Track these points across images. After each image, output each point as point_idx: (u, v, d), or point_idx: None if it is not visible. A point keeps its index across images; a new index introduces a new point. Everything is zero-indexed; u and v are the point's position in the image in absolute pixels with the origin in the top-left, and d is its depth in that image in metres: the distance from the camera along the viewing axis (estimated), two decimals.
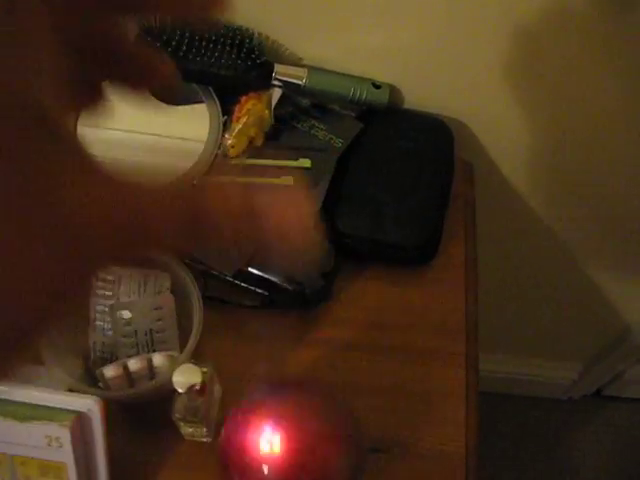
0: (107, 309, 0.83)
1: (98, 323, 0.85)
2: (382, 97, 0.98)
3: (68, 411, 0.69)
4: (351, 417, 0.74)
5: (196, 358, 0.78)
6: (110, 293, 0.84)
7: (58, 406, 0.69)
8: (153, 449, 0.83)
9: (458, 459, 0.84)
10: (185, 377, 0.73)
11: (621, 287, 1.42)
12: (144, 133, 0.93)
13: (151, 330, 0.83)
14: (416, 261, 0.95)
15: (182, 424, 0.79)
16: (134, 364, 0.80)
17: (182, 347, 0.81)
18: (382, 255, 0.94)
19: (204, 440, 0.82)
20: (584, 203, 1.18)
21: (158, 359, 0.80)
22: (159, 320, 0.83)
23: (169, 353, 0.80)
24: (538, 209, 1.20)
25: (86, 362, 0.86)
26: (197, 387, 0.74)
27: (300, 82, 0.95)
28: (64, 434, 0.69)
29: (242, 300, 0.91)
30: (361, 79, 0.98)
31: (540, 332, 1.62)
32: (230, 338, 0.90)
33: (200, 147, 0.92)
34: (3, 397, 0.69)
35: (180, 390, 0.74)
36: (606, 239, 1.27)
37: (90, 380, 0.82)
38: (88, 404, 0.69)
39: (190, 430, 0.80)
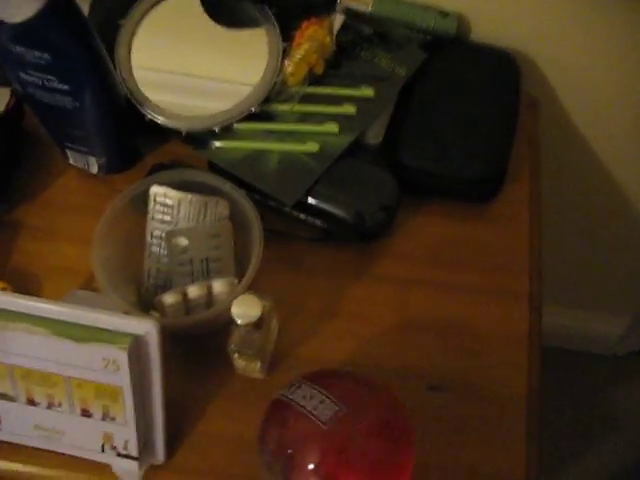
0: (164, 235, 0.81)
1: (154, 249, 0.82)
2: (450, 26, 0.94)
3: (126, 334, 0.67)
4: (401, 409, 0.71)
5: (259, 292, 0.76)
6: (169, 218, 0.81)
7: (116, 329, 0.67)
8: (205, 382, 0.82)
9: (519, 402, 0.81)
10: (244, 308, 0.71)
11: None
12: (198, 75, 0.90)
13: (207, 259, 0.81)
14: (479, 197, 0.91)
15: (236, 357, 0.77)
16: (194, 291, 0.77)
17: (238, 279, 0.79)
18: (444, 189, 0.91)
19: (257, 376, 0.81)
20: None
21: (218, 286, 0.78)
22: (216, 249, 0.81)
23: (229, 279, 0.78)
24: (603, 150, 1.15)
25: (138, 290, 0.84)
26: (256, 320, 0.71)
27: (365, 9, 0.91)
28: (122, 357, 0.67)
29: (300, 233, 0.88)
30: (428, 7, 0.94)
31: (590, 284, 1.58)
32: (287, 272, 0.88)
33: (250, 90, 0.88)
34: (61, 318, 0.68)
35: (239, 321, 0.71)
36: None
37: (143, 308, 0.81)
38: (146, 327, 0.67)
39: (243, 364, 0.78)
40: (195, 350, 0.83)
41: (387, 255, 0.89)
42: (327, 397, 0.66)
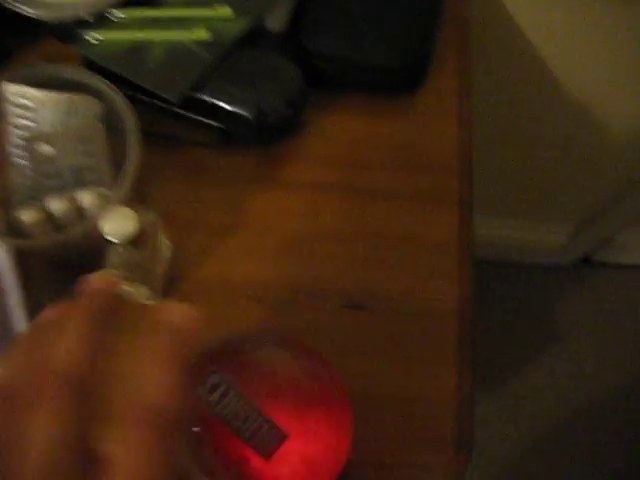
0: (25, 143, 0.68)
1: (16, 160, 0.69)
2: None
3: None
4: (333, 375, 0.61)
5: (142, 205, 0.64)
6: (28, 122, 0.68)
7: None
8: None
9: (449, 316, 0.71)
10: (116, 223, 0.59)
11: (621, 145, 1.28)
12: None
13: (79, 169, 0.68)
14: (401, 88, 0.80)
15: None
16: (56, 205, 0.65)
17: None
18: (360, 80, 0.79)
19: (146, 302, 0.69)
20: (591, 36, 1.03)
21: (87, 198, 0.65)
22: (88, 156, 0.68)
23: (99, 190, 0.66)
24: (539, 35, 1.04)
25: (7, 213, 0.72)
26: (132, 237, 0.60)
27: None
28: None
29: (194, 136, 0.76)
30: None
31: (530, 192, 1.50)
32: (180, 181, 0.76)
33: None
34: None
35: (112, 239, 0.60)
36: (615, 83, 1.12)
37: (13, 233, 0.68)
38: None
39: (129, 289, 0.67)
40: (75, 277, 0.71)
41: (296, 158, 0.77)
42: (265, 421, 0.56)
